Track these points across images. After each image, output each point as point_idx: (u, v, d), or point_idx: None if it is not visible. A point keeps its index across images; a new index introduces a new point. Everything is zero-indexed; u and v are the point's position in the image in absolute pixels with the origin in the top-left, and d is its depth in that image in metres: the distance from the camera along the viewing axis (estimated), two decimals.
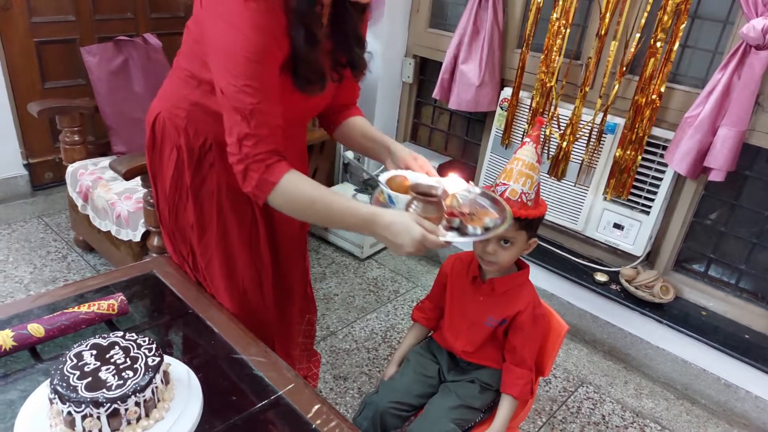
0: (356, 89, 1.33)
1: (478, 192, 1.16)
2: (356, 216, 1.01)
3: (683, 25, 1.78)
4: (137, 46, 2.25)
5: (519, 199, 1.21)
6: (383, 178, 1.09)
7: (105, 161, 2.19)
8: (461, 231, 1.05)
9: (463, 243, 1.12)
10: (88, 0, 2.72)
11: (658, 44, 1.82)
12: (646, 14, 1.87)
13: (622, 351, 2.21)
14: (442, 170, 1.17)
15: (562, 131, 2.12)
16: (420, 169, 1.16)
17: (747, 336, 1.97)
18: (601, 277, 2.17)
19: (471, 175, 2.67)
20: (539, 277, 2.29)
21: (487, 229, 1.05)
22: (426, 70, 2.73)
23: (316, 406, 1.01)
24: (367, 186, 2.82)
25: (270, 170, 1.01)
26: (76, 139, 2.22)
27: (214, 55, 1.01)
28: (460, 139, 2.74)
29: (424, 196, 1.02)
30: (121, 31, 2.69)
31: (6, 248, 2.42)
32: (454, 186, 1.13)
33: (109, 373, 0.83)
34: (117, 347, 0.88)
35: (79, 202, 2.18)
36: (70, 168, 2.22)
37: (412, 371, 1.41)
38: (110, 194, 2.02)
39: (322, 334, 2.17)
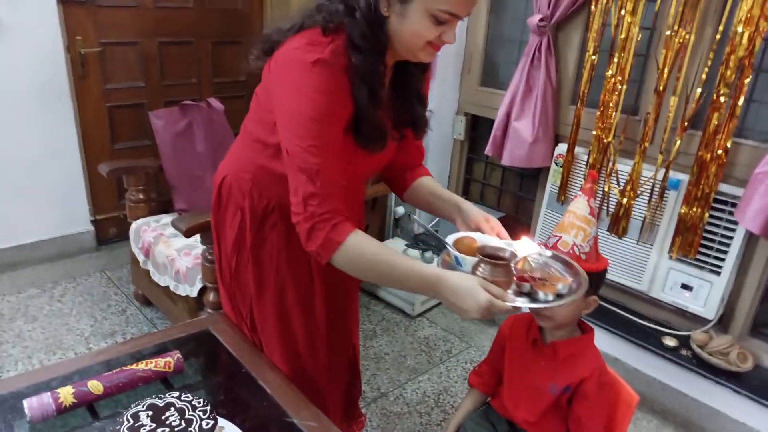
0: (421, 150, 1.34)
1: (549, 255, 1.12)
2: (420, 278, 0.99)
3: (747, 80, 1.72)
4: (201, 109, 2.37)
5: (571, 251, 1.17)
6: (450, 239, 1.07)
7: (167, 218, 2.27)
8: (532, 297, 1.00)
9: None
10: (157, 67, 2.92)
11: (722, 99, 1.76)
12: (707, 69, 1.82)
13: (696, 424, 2.03)
14: (511, 231, 1.14)
15: (621, 187, 2.05)
16: (491, 230, 1.14)
17: None
18: (670, 342, 2.03)
19: (527, 231, 2.60)
20: (602, 340, 2.14)
21: (559, 296, 0.99)
22: (477, 126, 2.75)
23: None
24: (419, 242, 2.80)
25: (335, 229, 1.01)
26: (141, 197, 2.33)
27: (281, 119, 1.04)
28: (513, 195, 2.70)
29: (492, 258, 0.99)
30: (185, 95, 2.85)
31: (70, 301, 2.52)
32: (526, 249, 1.08)
33: None
34: (173, 408, 0.87)
35: (140, 258, 2.26)
36: (134, 225, 2.32)
37: None
38: (170, 250, 2.08)
39: (373, 395, 2.10)
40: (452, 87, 2.69)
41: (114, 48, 2.75)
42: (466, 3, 0.99)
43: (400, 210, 2.97)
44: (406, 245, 2.80)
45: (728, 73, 1.73)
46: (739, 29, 1.68)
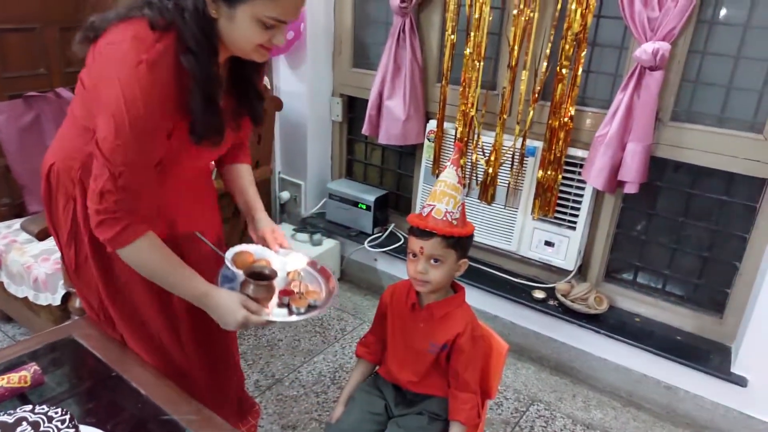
0: (249, 129, 1.35)
1: (315, 269, 1.30)
2: (192, 290, 1.12)
3: (584, 53, 1.90)
4: (49, 100, 2.16)
5: (444, 218, 1.25)
6: (230, 253, 1.19)
7: (18, 223, 2.06)
8: (290, 308, 1.17)
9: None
10: None
11: (564, 71, 1.94)
12: (550, 44, 1.99)
13: (567, 365, 2.26)
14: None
15: (487, 157, 2.19)
16: (274, 241, 1.27)
17: (679, 337, 2.06)
18: (538, 294, 2.22)
19: (408, 208, 2.70)
20: (480, 300, 2.32)
21: (310, 307, 1.17)
22: (354, 107, 2.78)
23: None
24: (306, 225, 2.80)
25: (126, 230, 1.04)
26: None
27: (99, 108, 1.01)
28: (393, 173, 2.78)
29: (257, 276, 1.14)
30: (34, 87, 2.56)
31: None
32: (296, 263, 1.26)
33: None
34: (25, 423, 0.81)
35: None
36: None
37: (359, 410, 1.38)
38: (25, 257, 1.90)
39: (268, 383, 2.09)
40: (325, 69, 2.69)
41: None
42: (292, 9, 1.02)
43: (285, 195, 2.94)
44: (294, 230, 2.79)
45: (567, 47, 1.91)
46: (573, 6, 1.85)
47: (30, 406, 0.84)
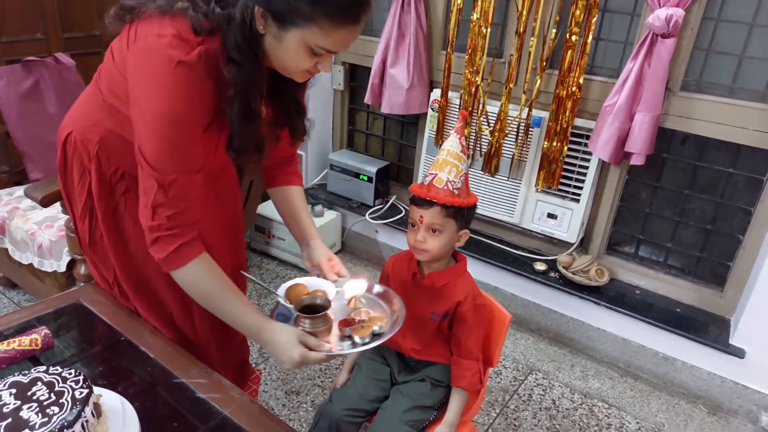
0: (288, 141, 1.30)
1: (376, 292, 1.23)
2: (245, 324, 1.07)
3: (595, 19, 1.87)
4: (48, 66, 2.13)
5: (445, 187, 1.24)
6: (282, 289, 1.15)
7: (21, 190, 2.05)
8: (353, 340, 1.08)
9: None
10: None
11: (573, 38, 1.91)
12: (560, 10, 1.95)
13: (566, 336, 2.29)
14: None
15: (491, 128, 2.18)
16: (331, 270, 1.22)
17: (678, 309, 2.08)
18: (540, 266, 2.24)
19: (409, 179, 2.69)
20: (482, 272, 2.33)
21: (375, 335, 1.08)
22: (356, 76, 2.74)
23: (265, 423, 0.98)
24: (308, 196, 2.79)
25: (180, 251, 1.01)
26: None
27: (136, 111, 0.97)
28: (395, 143, 2.76)
29: (310, 309, 1.08)
30: (31, 52, 2.53)
31: None
32: (355, 289, 1.19)
33: (32, 411, 0.77)
34: (40, 383, 0.82)
35: None
36: None
37: (364, 376, 1.40)
38: (29, 224, 1.89)
39: None
40: None
41: None
42: (343, 43, 0.99)
43: None
44: None
45: (578, 12, 1.87)
46: None
47: (44, 367, 0.85)
